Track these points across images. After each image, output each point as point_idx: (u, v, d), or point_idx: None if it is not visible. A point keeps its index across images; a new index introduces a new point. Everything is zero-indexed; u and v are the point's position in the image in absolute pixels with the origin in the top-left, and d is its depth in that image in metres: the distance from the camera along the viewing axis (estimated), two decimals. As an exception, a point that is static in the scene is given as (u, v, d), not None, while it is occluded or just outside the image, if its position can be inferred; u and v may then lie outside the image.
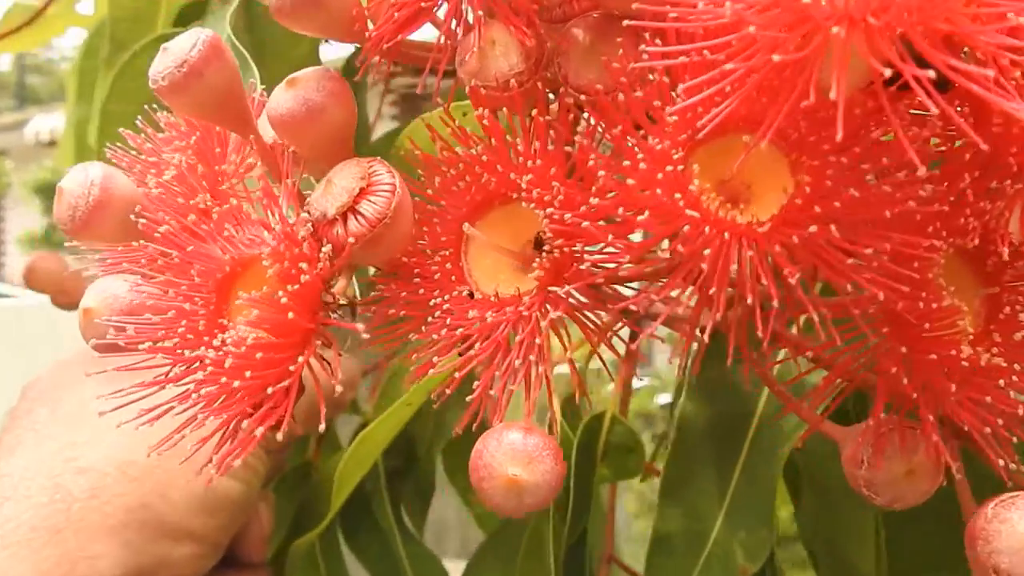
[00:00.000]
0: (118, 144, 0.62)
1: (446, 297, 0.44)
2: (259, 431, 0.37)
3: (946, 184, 0.39)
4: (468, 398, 0.42)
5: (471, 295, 0.43)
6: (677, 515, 0.68)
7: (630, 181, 0.37)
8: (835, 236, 0.37)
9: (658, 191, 0.37)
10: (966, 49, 0.39)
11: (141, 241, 0.44)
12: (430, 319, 0.43)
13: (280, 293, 0.38)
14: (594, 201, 0.38)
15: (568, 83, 0.44)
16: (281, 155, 0.43)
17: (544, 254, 0.42)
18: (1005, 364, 0.41)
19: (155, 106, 0.89)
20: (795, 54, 0.35)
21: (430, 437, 0.97)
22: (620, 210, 0.37)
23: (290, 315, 0.38)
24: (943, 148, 0.41)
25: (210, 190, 0.56)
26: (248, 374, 0.38)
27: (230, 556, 0.68)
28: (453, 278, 0.44)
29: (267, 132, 0.53)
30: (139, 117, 0.91)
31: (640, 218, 0.37)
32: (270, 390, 0.38)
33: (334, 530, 0.90)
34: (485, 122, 0.43)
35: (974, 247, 0.42)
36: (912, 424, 0.43)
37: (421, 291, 0.44)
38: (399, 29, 0.44)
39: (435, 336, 0.43)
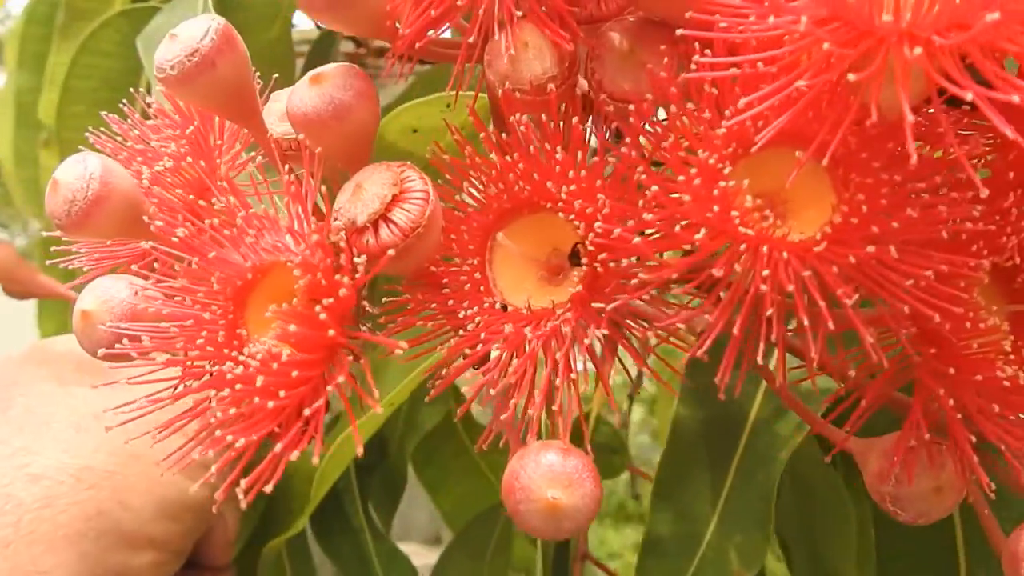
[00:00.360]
0: (102, 129, 0.58)
1: (475, 309, 0.42)
2: (294, 455, 0.35)
3: (992, 202, 0.39)
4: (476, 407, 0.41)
5: (504, 308, 0.42)
6: (669, 518, 0.68)
7: (686, 197, 0.36)
8: (893, 257, 0.36)
9: (715, 208, 0.36)
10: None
11: (149, 242, 0.41)
12: (461, 331, 0.42)
13: (318, 309, 0.35)
14: (648, 216, 0.37)
15: (602, 89, 0.43)
16: (306, 155, 0.40)
17: (583, 267, 0.41)
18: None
19: (126, 87, 0.85)
20: (864, 71, 0.34)
21: (401, 435, 0.95)
22: (676, 228, 0.36)
23: (331, 332, 0.35)
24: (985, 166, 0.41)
25: (207, 184, 0.53)
26: (283, 394, 0.36)
27: (193, 559, 0.65)
28: (482, 289, 0.43)
29: (273, 127, 0.51)
30: (102, 96, 0.86)
31: (697, 236, 0.36)
32: (307, 411, 0.35)
33: (303, 530, 0.88)
34: (522, 128, 0.41)
35: (1005, 264, 0.42)
36: (938, 440, 0.44)
37: (450, 302, 0.42)
38: (430, 26, 0.42)
39: (467, 351, 0.41)
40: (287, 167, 0.39)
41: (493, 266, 0.44)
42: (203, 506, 0.61)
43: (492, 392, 0.40)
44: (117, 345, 0.40)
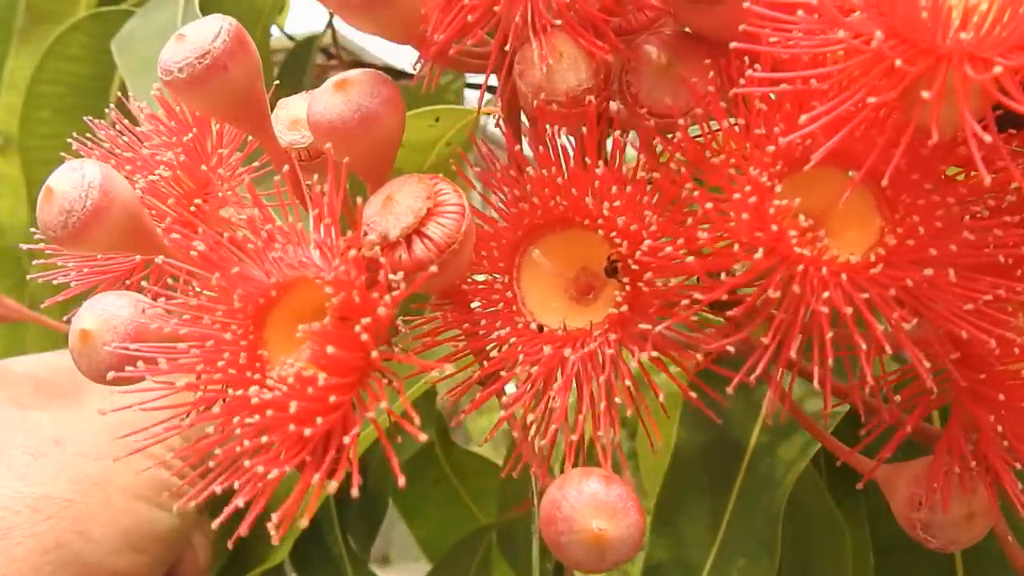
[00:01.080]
0: (87, 135, 0.55)
1: (508, 329, 0.40)
2: (332, 486, 0.33)
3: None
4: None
5: (541, 328, 0.40)
6: (669, 543, 0.66)
7: (744, 215, 0.35)
8: (951, 280, 0.35)
9: (773, 227, 0.35)
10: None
11: (162, 257, 0.38)
12: (492, 352, 0.40)
13: (359, 329, 0.33)
14: (703, 235, 0.35)
15: (639, 103, 0.42)
16: (332, 164, 0.38)
17: (622, 283, 0.39)
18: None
19: (95, 93, 0.81)
20: (925, 89, 0.33)
21: (380, 460, 0.92)
22: (736, 246, 0.35)
23: (374, 353, 0.33)
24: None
25: (203, 194, 0.50)
26: (319, 420, 0.33)
27: None
28: (514, 308, 0.41)
29: (281, 136, 0.48)
30: (69, 102, 0.82)
31: (756, 256, 0.34)
32: (347, 439, 0.33)
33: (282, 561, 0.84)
34: (560, 141, 0.39)
35: None
36: (969, 466, 0.43)
37: (483, 321, 0.40)
38: (463, 32, 0.40)
39: (504, 372, 0.39)
40: (315, 177, 0.37)
41: (521, 284, 0.42)
42: (171, 536, 0.57)
43: (528, 418, 0.38)
44: (128, 368, 0.36)
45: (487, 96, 0.49)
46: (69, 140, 0.55)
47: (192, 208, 0.48)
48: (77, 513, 0.52)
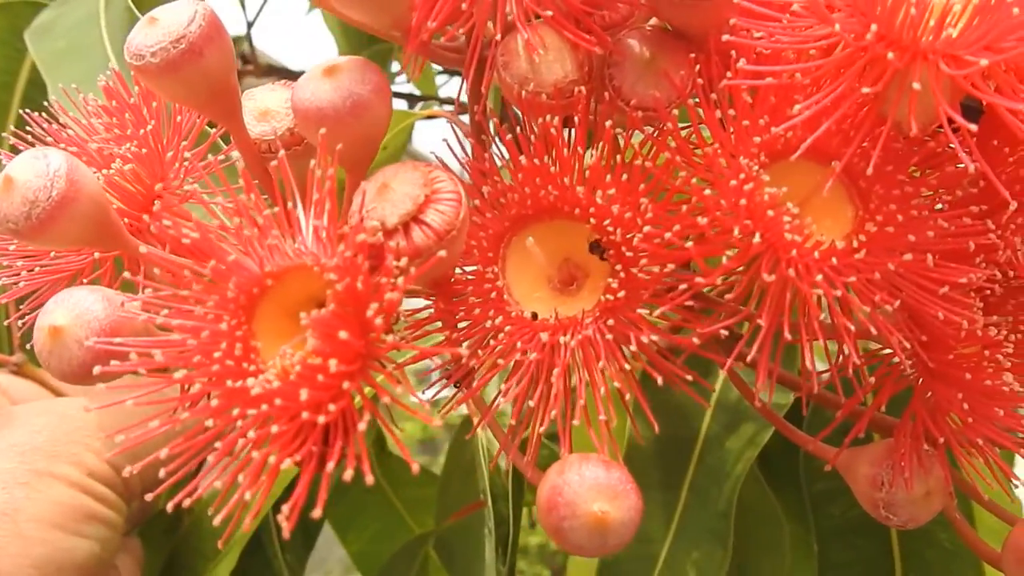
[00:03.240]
0: (26, 128, 0.52)
1: (501, 318, 0.40)
2: (348, 474, 0.32)
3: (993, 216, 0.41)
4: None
5: (535, 316, 0.40)
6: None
7: (743, 201, 0.36)
8: (931, 265, 0.37)
9: (770, 212, 0.36)
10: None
11: (145, 247, 0.37)
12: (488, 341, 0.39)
13: (371, 313, 0.32)
14: (702, 221, 0.36)
15: (621, 96, 0.42)
16: (322, 151, 0.37)
17: (613, 268, 0.40)
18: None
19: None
20: (921, 82, 0.35)
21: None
22: (736, 231, 0.36)
23: (390, 338, 0.32)
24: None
25: (162, 188, 0.48)
26: (332, 407, 0.32)
27: None
28: (505, 297, 0.41)
29: (251, 128, 0.47)
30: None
31: (755, 240, 0.36)
32: (362, 425, 0.32)
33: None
34: (553, 131, 0.40)
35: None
36: (925, 446, 0.45)
37: (477, 311, 0.40)
38: (453, 19, 0.40)
39: (499, 361, 0.39)
40: (311, 163, 0.36)
41: (506, 275, 0.43)
42: (92, 564, 0.53)
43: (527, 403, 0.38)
44: (113, 362, 0.35)
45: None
46: (4, 134, 0.52)
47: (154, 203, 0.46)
48: None
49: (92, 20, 0.77)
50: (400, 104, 1.17)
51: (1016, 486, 0.46)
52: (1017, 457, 0.46)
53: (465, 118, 0.48)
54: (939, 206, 0.40)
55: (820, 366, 0.45)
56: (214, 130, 0.49)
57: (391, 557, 0.90)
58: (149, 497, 0.34)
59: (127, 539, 0.61)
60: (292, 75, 1.31)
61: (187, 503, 0.33)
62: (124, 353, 0.35)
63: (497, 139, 0.43)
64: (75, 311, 0.38)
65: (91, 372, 0.35)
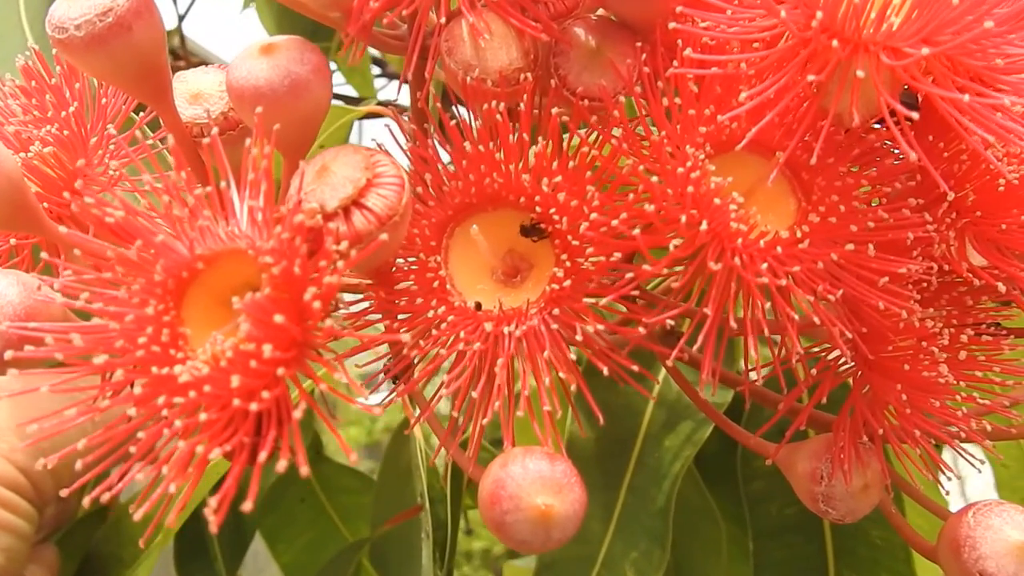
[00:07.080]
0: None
1: (443, 308, 0.39)
2: (282, 465, 0.30)
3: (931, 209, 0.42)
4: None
5: (479, 307, 0.39)
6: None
7: (690, 188, 0.36)
8: (871, 256, 0.37)
9: (716, 200, 0.36)
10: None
11: (64, 228, 0.35)
12: (433, 331, 0.38)
13: (308, 297, 0.31)
14: (649, 209, 0.36)
15: (567, 85, 0.42)
16: (259, 132, 0.35)
17: (561, 258, 0.39)
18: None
19: None
20: (864, 71, 0.36)
21: (244, 476, 0.87)
22: (683, 218, 0.35)
23: (329, 323, 0.31)
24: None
25: (83, 171, 0.46)
26: (266, 394, 0.30)
27: None
28: (448, 287, 0.40)
29: (183, 111, 0.45)
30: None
31: (702, 228, 0.35)
32: (297, 413, 0.31)
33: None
34: (499, 117, 0.39)
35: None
36: (863, 440, 0.46)
37: (419, 301, 0.39)
38: (395, 2, 0.39)
39: (441, 351, 0.38)
40: (247, 142, 0.34)
41: (449, 265, 0.41)
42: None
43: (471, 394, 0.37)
44: (28, 347, 0.32)
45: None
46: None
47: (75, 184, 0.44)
48: None
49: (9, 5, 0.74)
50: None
51: (949, 478, 0.47)
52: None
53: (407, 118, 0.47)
54: (876, 201, 0.40)
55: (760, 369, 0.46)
56: (142, 115, 0.47)
57: (322, 568, 0.88)
58: (64, 493, 0.32)
59: (39, 547, 0.57)
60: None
61: (106, 498, 0.30)
62: (40, 339, 0.32)
63: (440, 126, 0.42)
64: (-12, 296, 0.36)
65: (2, 358, 0.33)
